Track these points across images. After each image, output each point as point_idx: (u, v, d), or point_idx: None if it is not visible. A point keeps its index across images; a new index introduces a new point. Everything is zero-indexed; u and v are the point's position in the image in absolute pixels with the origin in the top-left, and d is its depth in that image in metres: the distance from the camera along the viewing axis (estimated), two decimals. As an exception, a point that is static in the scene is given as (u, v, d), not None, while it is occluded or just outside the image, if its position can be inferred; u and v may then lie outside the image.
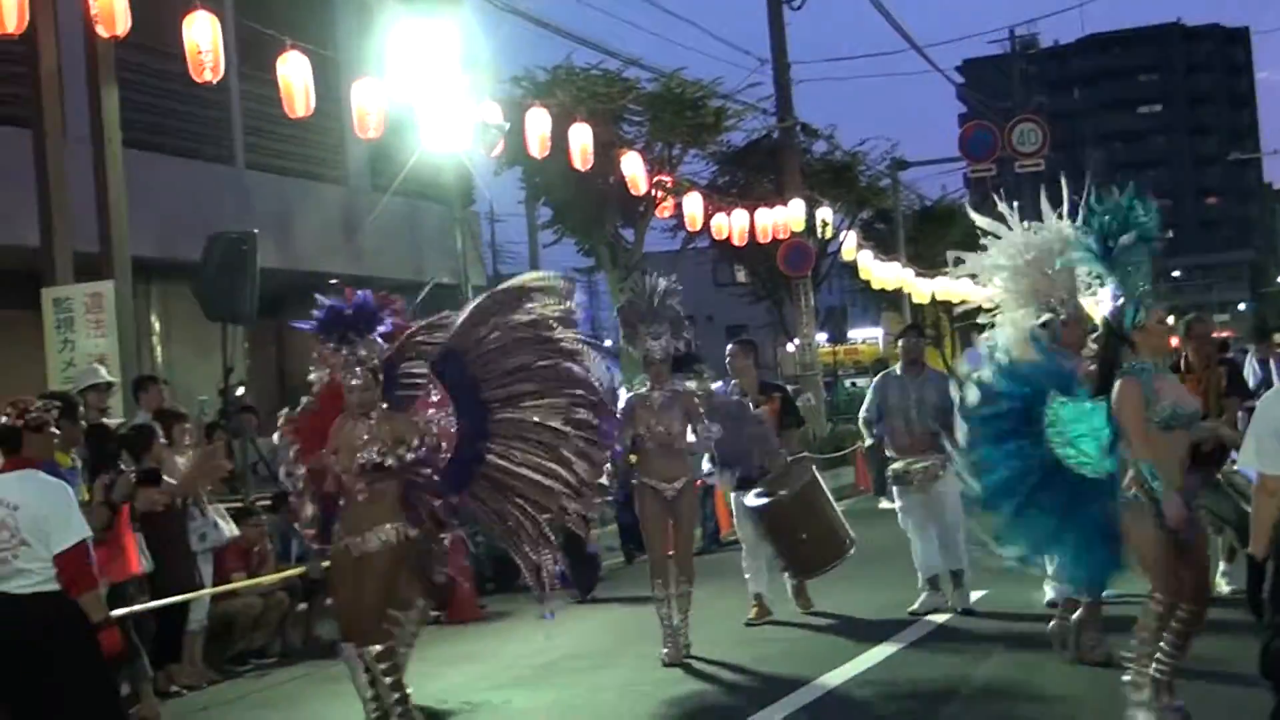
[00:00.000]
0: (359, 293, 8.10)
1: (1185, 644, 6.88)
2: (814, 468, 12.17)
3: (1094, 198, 7.30)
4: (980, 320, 9.48)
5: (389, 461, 7.79)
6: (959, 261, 9.80)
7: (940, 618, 10.97)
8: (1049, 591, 10.79)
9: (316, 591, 12.19)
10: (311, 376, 8.40)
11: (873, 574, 12.62)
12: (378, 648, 7.87)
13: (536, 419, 7.97)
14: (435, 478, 7.94)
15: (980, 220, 9.45)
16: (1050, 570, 10.88)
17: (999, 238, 9.30)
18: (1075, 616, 8.92)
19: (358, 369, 7.86)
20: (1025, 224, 9.26)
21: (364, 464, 7.80)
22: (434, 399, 8.04)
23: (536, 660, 10.79)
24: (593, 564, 13.96)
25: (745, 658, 10.14)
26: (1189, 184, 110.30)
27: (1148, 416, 6.82)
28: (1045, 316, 8.86)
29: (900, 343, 11.82)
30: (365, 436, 7.83)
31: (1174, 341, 7.47)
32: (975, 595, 11.51)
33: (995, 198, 9.47)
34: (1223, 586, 10.44)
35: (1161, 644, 6.89)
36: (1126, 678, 7.07)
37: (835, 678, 9.27)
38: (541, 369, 8.09)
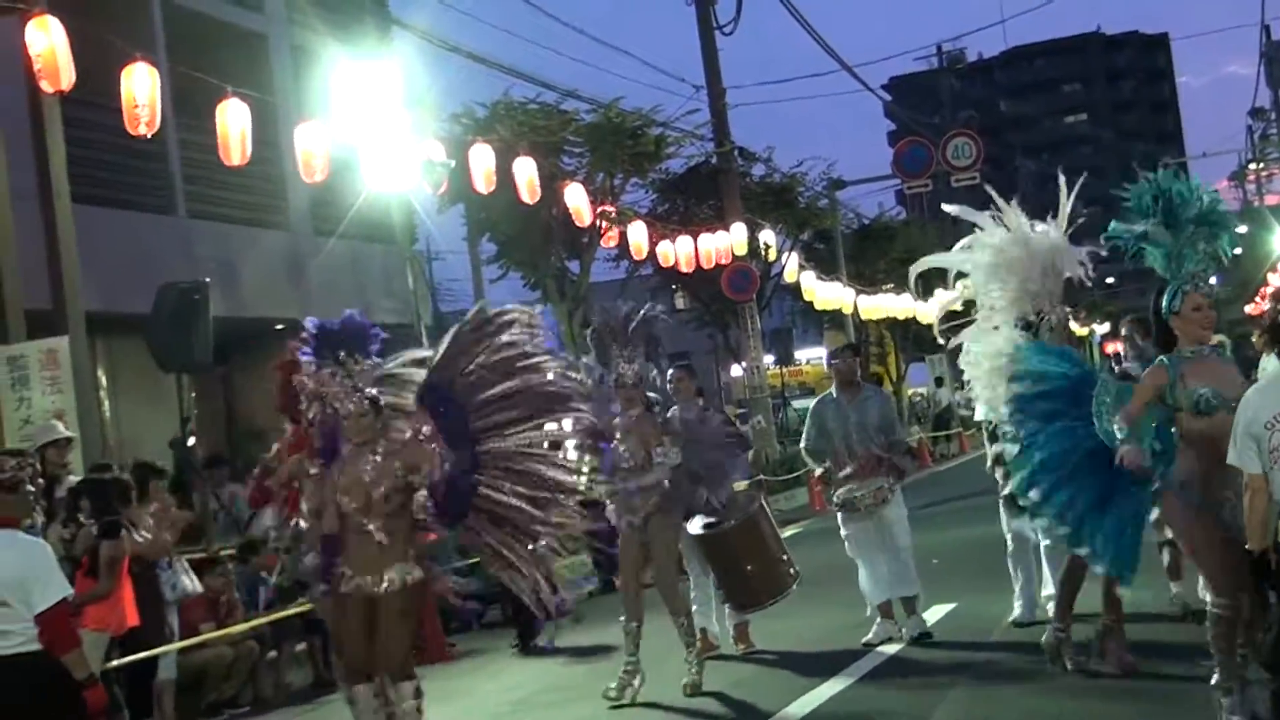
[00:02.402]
0: (347, 311, 8.07)
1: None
2: (762, 496, 11.81)
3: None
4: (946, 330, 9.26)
5: (415, 480, 7.69)
6: (921, 275, 9.39)
7: (895, 647, 10.48)
8: (1017, 609, 10.59)
9: (286, 639, 12.17)
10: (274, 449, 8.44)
11: (822, 599, 12.23)
12: (414, 684, 7.79)
13: (522, 448, 7.92)
14: (434, 511, 7.89)
15: (975, 216, 9.04)
16: (1018, 588, 10.68)
17: (981, 230, 8.98)
18: (1101, 624, 8.71)
19: (355, 395, 7.75)
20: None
21: (383, 497, 7.67)
22: (425, 432, 7.94)
23: (511, 697, 10.79)
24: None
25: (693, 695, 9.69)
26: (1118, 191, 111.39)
27: (1174, 402, 6.89)
28: (1031, 318, 8.65)
29: (833, 363, 11.32)
30: (372, 472, 7.71)
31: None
32: (941, 611, 11.41)
33: (990, 194, 8.96)
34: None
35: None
36: (1214, 680, 6.95)
37: (789, 713, 8.90)
38: (525, 393, 8.02)
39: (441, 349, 8.03)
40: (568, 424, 8.22)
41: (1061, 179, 8.96)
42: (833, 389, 11.11)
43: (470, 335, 8.04)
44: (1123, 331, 10.79)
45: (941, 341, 9.51)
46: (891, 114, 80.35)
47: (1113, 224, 7.59)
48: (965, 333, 9.03)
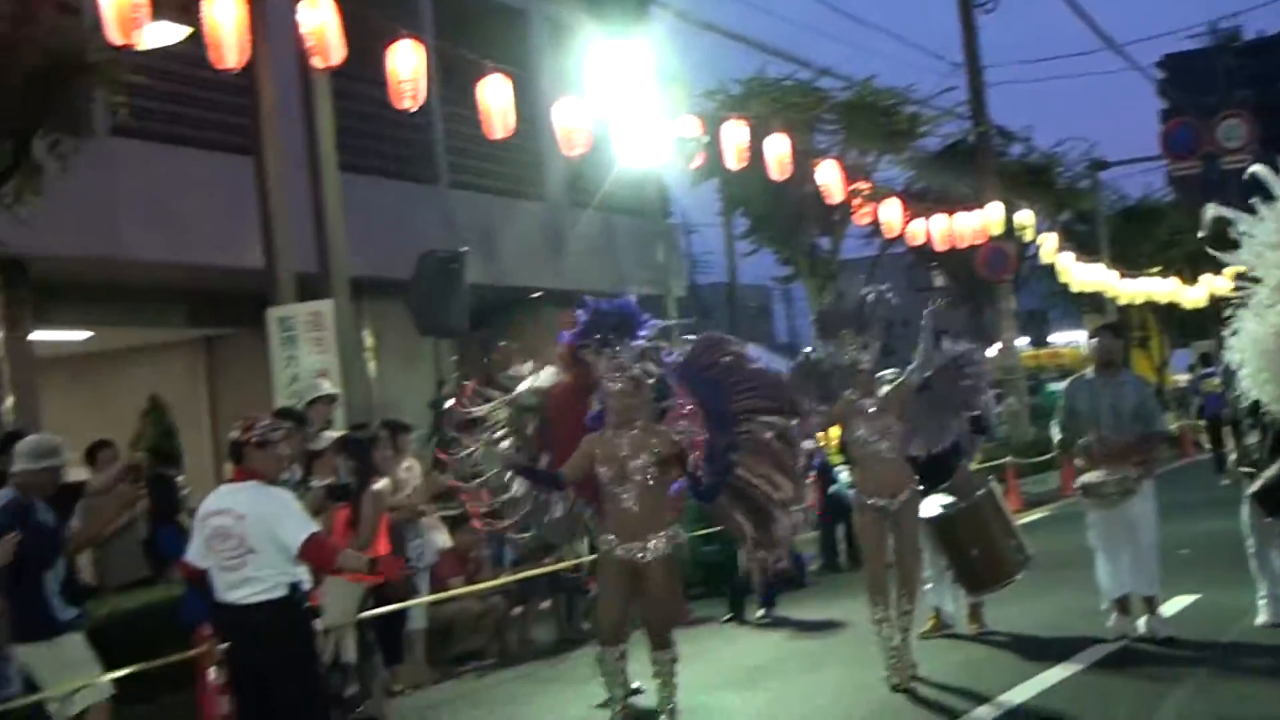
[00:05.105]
0: (621, 298, 8.47)
1: None
2: (992, 479, 11.58)
3: None
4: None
5: (653, 475, 8.01)
6: (1188, 259, 8.57)
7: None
8: (1263, 613, 10.14)
9: (532, 596, 12.54)
10: (528, 382, 8.71)
11: (1062, 583, 11.98)
12: (673, 650, 8.19)
13: (768, 435, 8.27)
14: (690, 488, 8.26)
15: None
16: (1262, 590, 10.16)
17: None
18: None
19: (619, 374, 8.08)
20: None
21: (638, 470, 7.99)
22: (684, 410, 8.27)
23: (746, 663, 10.99)
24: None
25: (923, 672, 9.54)
26: None
27: None
28: None
29: (1094, 342, 10.85)
30: (629, 446, 8.03)
31: None
32: (1184, 602, 11.07)
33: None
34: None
35: None
36: None
37: (1015, 696, 8.82)
38: (771, 384, 8.51)
39: (689, 347, 8.51)
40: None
41: None
42: (1089, 369, 10.66)
43: (708, 344, 8.53)
44: None
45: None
46: (1164, 93, 77.70)
47: None
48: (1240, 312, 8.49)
